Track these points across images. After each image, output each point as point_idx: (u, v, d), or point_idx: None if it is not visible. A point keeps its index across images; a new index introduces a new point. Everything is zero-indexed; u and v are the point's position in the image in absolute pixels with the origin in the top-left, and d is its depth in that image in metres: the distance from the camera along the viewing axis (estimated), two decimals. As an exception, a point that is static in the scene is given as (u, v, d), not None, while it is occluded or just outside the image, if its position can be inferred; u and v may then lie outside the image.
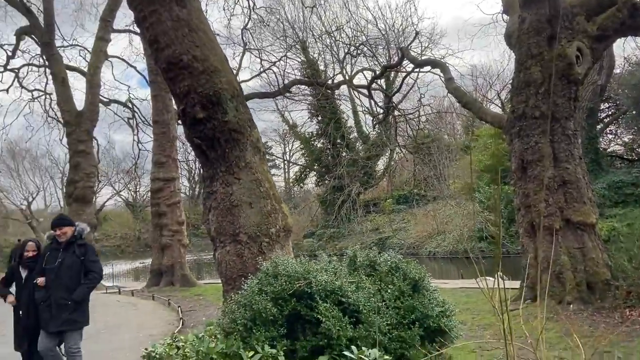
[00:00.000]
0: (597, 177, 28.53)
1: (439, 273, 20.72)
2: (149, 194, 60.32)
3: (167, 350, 3.81)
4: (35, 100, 27.42)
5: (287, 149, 69.71)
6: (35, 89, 26.81)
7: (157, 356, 3.80)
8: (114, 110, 28.28)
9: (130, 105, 27.11)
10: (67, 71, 21.79)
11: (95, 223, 20.76)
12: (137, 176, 29.90)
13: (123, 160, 59.78)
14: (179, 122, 19.48)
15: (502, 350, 6.05)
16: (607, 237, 24.44)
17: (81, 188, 19.81)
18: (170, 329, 9.41)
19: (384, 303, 4.12)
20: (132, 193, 67.03)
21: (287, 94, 29.25)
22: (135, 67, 26.15)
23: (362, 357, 2.99)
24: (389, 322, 3.98)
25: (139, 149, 28.32)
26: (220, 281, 19.84)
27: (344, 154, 36.73)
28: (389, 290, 4.28)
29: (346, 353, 3.11)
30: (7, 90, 24.66)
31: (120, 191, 65.64)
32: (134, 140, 28.07)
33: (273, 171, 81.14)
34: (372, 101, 15.87)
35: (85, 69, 22.59)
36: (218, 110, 7.08)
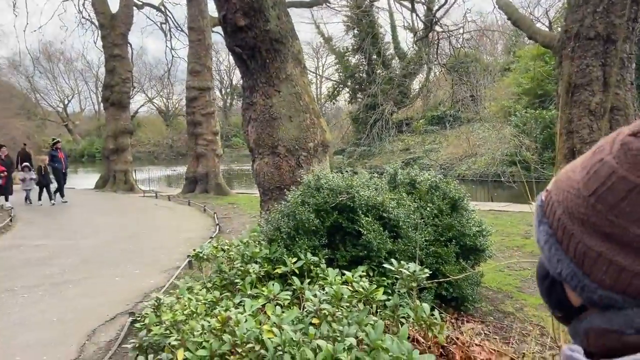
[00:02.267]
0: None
1: (468, 195, 20.64)
2: (182, 102, 60.68)
3: (213, 252, 4.01)
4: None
5: (319, 64, 68.37)
6: (69, -11, 26.37)
7: (205, 257, 4.01)
8: (146, 14, 27.80)
9: (163, 9, 26.52)
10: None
11: (132, 128, 21.18)
12: (170, 84, 29.71)
13: (155, 67, 59.78)
14: (214, 29, 19.07)
15: (530, 270, 6.18)
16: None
17: (117, 93, 20.03)
18: (207, 233, 9.85)
19: (422, 220, 4.19)
20: (165, 101, 67.79)
21: (326, 4, 28.03)
22: None
23: (402, 269, 3.10)
24: (426, 238, 4.07)
25: (172, 56, 28.06)
26: (251, 192, 20.35)
27: (379, 71, 35.73)
28: (427, 208, 4.33)
29: (386, 265, 3.23)
30: (42, -10, 24.30)
31: (152, 98, 66.30)
32: (166, 46, 27.91)
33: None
34: (414, 14, 14.97)
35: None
36: (260, 18, 6.89)
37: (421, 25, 34.03)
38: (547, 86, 28.49)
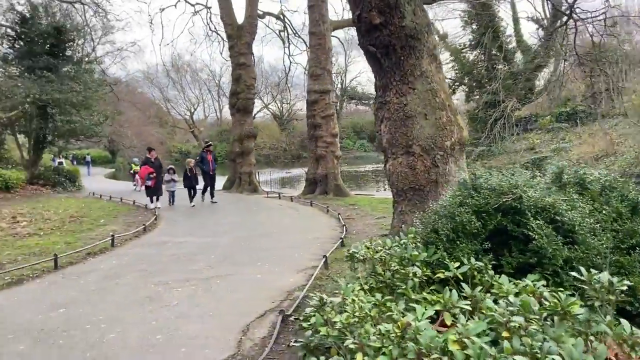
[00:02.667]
0: None
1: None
2: (295, 107, 62.46)
3: (370, 253, 3.91)
4: (197, 14, 29.15)
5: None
6: (197, 3, 28.39)
7: (361, 257, 3.92)
8: (265, 23, 29.03)
9: (282, 17, 27.51)
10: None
11: (256, 132, 22.19)
12: (288, 89, 30.74)
13: (270, 74, 62.46)
14: (333, 33, 19.25)
15: None
16: None
17: (243, 99, 21.13)
18: (334, 234, 9.90)
19: (598, 225, 3.71)
20: (279, 106, 70.57)
21: (442, 0, 27.19)
22: None
23: (592, 280, 2.72)
24: (605, 245, 3.59)
25: (290, 62, 28.95)
26: (368, 193, 20.23)
27: (499, 66, 33.84)
28: (603, 212, 3.84)
29: (573, 274, 2.86)
30: (175, 5, 26.48)
31: (268, 104, 69.21)
32: (284, 53, 28.77)
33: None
34: (545, 1, 13.60)
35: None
36: (395, 15, 6.73)
37: (548, 15, 31.62)
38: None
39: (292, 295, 5.69)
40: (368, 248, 4.03)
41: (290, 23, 27.53)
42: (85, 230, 11.00)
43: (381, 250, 3.99)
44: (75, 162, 44.70)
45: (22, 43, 22.73)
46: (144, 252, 8.57)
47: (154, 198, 14.51)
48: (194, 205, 15.11)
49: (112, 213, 13.77)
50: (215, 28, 28.50)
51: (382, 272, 3.78)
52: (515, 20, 35.73)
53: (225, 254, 8.11)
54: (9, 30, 23.22)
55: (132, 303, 5.59)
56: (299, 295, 5.53)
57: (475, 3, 33.84)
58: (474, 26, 35.01)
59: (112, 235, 9.39)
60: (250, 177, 21.23)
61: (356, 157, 60.50)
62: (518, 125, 33.37)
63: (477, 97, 36.78)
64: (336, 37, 21.69)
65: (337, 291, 3.60)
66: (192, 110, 75.83)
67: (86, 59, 26.20)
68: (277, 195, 17.77)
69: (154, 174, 14.31)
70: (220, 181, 23.29)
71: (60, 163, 30.37)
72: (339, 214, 11.92)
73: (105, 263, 7.86)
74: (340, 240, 8.52)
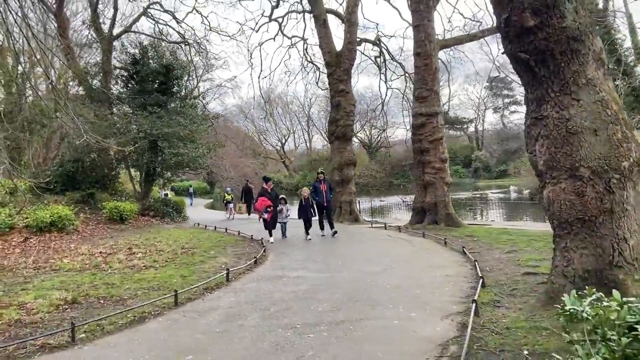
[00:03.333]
0: None
1: None
2: (384, 134, 61.49)
3: (604, 312, 2.88)
4: (294, 46, 29.62)
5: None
6: (294, 36, 28.89)
7: (585, 316, 2.91)
8: (360, 50, 28.81)
9: (378, 43, 27.09)
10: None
11: (355, 160, 21.58)
12: (384, 114, 30.10)
13: (359, 102, 62.44)
14: (437, 54, 18.28)
15: None
16: None
17: (342, 126, 20.71)
18: (463, 270, 8.79)
19: None
20: (368, 133, 70.13)
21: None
22: (389, 0, 25.50)
23: None
24: None
25: (387, 87, 28.35)
26: (482, 223, 18.64)
27: (618, 82, 30.75)
28: None
29: None
30: (274, 39, 27.12)
31: (357, 132, 69.05)
32: (380, 79, 28.29)
33: (513, 107, 75.21)
34: None
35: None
36: (553, 15, 5.71)
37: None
38: None
39: (447, 351, 4.71)
40: (595, 306, 3.00)
41: (387, 48, 26.98)
42: (198, 262, 10.79)
43: (614, 310, 2.94)
44: (175, 194, 47.00)
45: (134, 82, 24.18)
46: (261, 288, 8.02)
47: (272, 231, 13.83)
48: (310, 239, 13.99)
49: (220, 244, 13.61)
50: (310, 59, 28.54)
51: (618, 339, 2.74)
52: (632, 31, 32.56)
53: (348, 293, 7.32)
54: (122, 71, 24.86)
55: (262, 352, 4.92)
56: (457, 353, 4.56)
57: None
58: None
59: (227, 270, 8.99)
60: (351, 206, 20.57)
61: (456, 183, 57.94)
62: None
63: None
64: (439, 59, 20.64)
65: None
66: (283, 141, 77.89)
67: (191, 94, 27.36)
68: (383, 226, 16.84)
69: (272, 207, 13.65)
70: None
71: (166, 195, 31.77)
72: (463, 247, 10.73)
73: (223, 300, 7.38)
74: (481, 279, 7.40)
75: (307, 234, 14.23)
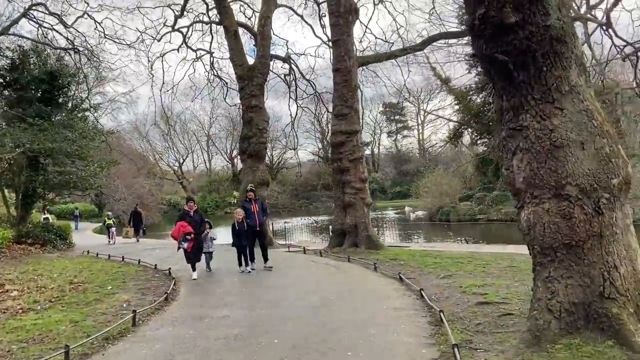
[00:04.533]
0: None
1: None
2: (285, 155, 60.65)
3: None
4: (199, 59, 27.79)
5: (420, 110, 66.56)
6: (199, 49, 27.11)
7: None
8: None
9: (289, 60, 26.27)
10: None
11: (269, 180, 20.29)
12: (295, 134, 29.17)
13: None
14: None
15: None
16: None
17: (255, 144, 19.39)
18: (409, 300, 7.88)
19: None
20: (269, 154, 69.14)
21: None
22: (302, 16, 24.74)
23: None
24: None
25: (297, 106, 27.57)
26: (401, 244, 18.01)
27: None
28: None
29: None
30: (177, 50, 25.12)
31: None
32: (290, 97, 27.36)
33: (405, 132, 78.76)
34: (609, 31, 12.07)
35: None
36: (537, 11, 5.01)
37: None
38: None
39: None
40: None
41: (297, 66, 26.23)
42: (92, 301, 8.78)
43: None
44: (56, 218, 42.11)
45: (10, 90, 20.96)
46: (179, 334, 6.43)
47: (195, 265, 11.05)
48: (250, 271, 11.43)
49: (118, 276, 11.53)
50: (217, 73, 26.94)
51: None
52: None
53: (293, 338, 6.01)
54: (-4, 77, 21.43)
55: None
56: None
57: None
58: (479, 68, 34.26)
59: (134, 311, 7.21)
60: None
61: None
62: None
63: (485, 140, 35.67)
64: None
65: None
66: (181, 160, 74.25)
67: (80, 106, 24.38)
68: (301, 250, 15.67)
69: (193, 234, 10.82)
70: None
71: (46, 219, 27.93)
72: (399, 273, 9.87)
73: (132, 354, 5.70)
74: (440, 312, 6.47)
75: (243, 264, 11.56)
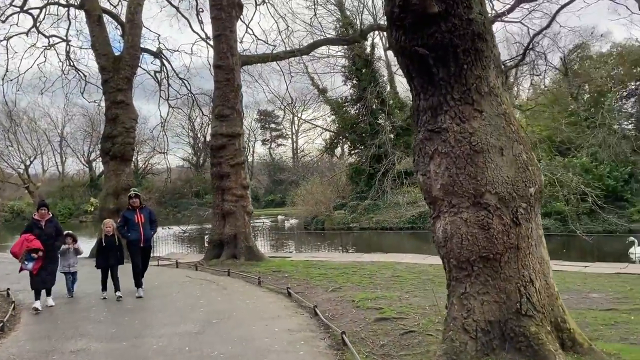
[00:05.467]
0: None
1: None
2: (152, 160, 56.78)
3: None
4: (52, 47, 24.40)
5: (295, 119, 67.25)
6: (53, 35, 23.82)
7: None
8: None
9: (160, 55, 24.26)
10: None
11: (135, 185, 18.25)
12: (165, 137, 27.00)
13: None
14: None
15: None
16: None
17: (120, 144, 17.29)
18: (302, 321, 7.10)
19: None
20: (134, 159, 64.34)
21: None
22: (177, 8, 22.77)
23: None
24: None
25: (169, 106, 25.63)
26: (283, 255, 17.26)
27: (381, 121, 34.13)
28: None
29: None
30: (27, 34, 21.69)
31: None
32: (160, 97, 25.30)
33: (279, 140, 78.96)
34: None
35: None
36: (460, 2, 4.61)
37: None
38: (563, 133, 27.22)
39: None
40: None
41: (170, 63, 24.33)
42: None
43: None
44: None
45: None
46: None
47: (43, 291, 8.53)
48: (120, 297, 9.03)
49: None
50: (74, 64, 23.83)
51: None
52: (391, 80, 36.82)
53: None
54: None
55: None
56: None
57: (356, 60, 34.18)
58: (354, 81, 35.20)
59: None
60: (128, 240, 17.09)
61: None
62: (398, 179, 33.37)
63: (359, 151, 36.63)
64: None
65: None
66: (28, 162, 65.69)
67: None
68: (174, 263, 14.12)
69: (41, 252, 8.21)
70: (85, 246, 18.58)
71: None
72: (288, 288, 9.06)
73: None
74: (342, 334, 5.76)
75: (111, 289, 9.19)
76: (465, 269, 4.77)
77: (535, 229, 4.88)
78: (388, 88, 35.95)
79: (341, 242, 27.10)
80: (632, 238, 16.75)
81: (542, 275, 4.82)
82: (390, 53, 35.18)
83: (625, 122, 30.91)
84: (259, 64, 20.54)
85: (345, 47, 33.64)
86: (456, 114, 4.75)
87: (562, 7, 12.49)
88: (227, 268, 12.31)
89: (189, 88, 25.34)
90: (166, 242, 27.94)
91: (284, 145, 78.89)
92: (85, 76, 24.45)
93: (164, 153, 27.54)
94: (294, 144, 76.42)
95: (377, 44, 35.00)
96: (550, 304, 4.81)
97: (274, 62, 20.46)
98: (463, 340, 4.67)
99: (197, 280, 10.96)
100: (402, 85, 39.97)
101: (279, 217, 46.96)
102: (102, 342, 6.30)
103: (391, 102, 34.48)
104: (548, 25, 13.15)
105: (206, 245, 16.91)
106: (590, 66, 33.51)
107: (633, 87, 32.26)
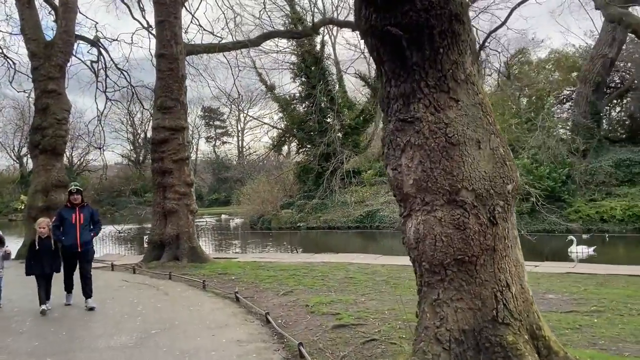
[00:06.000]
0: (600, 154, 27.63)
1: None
2: (88, 156, 54.34)
3: None
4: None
5: (241, 116, 65.95)
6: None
7: None
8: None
9: (97, 44, 22.76)
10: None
11: (68, 181, 16.83)
12: (102, 132, 25.40)
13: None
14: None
15: None
16: (622, 217, 23.52)
17: (51, 137, 15.90)
18: (253, 330, 6.48)
19: None
20: (69, 154, 60.91)
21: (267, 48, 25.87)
22: None
23: None
24: None
25: (106, 98, 24.14)
26: (229, 256, 16.50)
27: (329, 120, 33.83)
28: None
29: None
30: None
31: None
32: (97, 89, 23.77)
33: (224, 138, 77.26)
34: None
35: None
36: (438, -19, 4.16)
37: (373, 74, 32.97)
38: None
39: None
40: None
41: (108, 52, 22.87)
42: None
43: None
44: None
45: None
46: None
47: None
48: (49, 309, 7.81)
49: None
50: (2, 51, 21.90)
51: None
52: (340, 78, 36.63)
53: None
54: None
55: None
56: None
57: (306, 57, 33.69)
58: (303, 78, 34.69)
59: None
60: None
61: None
62: (346, 178, 33.23)
63: (307, 149, 36.16)
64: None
65: None
66: (-49, 153, 60.95)
67: None
68: (109, 266, 13.03)
69: None
70: (14, 246, 16.98)
71: None
72: (236, 292, 8.39)
73: None
74: (300, 345, 5.20)
75: (45, 301, 7.84)
76: (439, 273, 4.34)
77: (511, 229, 4.52)
78: (337, 87, 35.69)
79: (289, 242, 26.51)
80: (571, 237, 17.28)
81: (517, 279, 4.46)
82: (339, 51, 35.01)
83: (561, 126, 32.23)
84: (205, 56, 19.63)
85: (295, 44, 33.14)
86: (431, 102, 4.30)
87: (518, 4, 12.55)
88: (168, 271, 11.46)
89: (128, 80, 23.97)
90: (102, 242, 26.31)
91: (229, 143, 77.27)
92: (14, 64, 22.56)
93: (100, 149, 25.88)
94: (240, 142, 74.97)
95: (327, 42, 34.77)
96: (526, 310, 4.45)
97: (221, 54, 19.61)
98: (436, 352, 4.23)
99: (135, 285, 10.07)
100: (351, 84, 40.03)
101: (223, 216, 45.77)
102: (21, 358, 5.42)
103: (340, 100, 34.25)
104: (504, 23, 13.17)
105: (145, 246, 15.84)
106: (530, 71, 34.80)
107: (568, 92, 33.76)
